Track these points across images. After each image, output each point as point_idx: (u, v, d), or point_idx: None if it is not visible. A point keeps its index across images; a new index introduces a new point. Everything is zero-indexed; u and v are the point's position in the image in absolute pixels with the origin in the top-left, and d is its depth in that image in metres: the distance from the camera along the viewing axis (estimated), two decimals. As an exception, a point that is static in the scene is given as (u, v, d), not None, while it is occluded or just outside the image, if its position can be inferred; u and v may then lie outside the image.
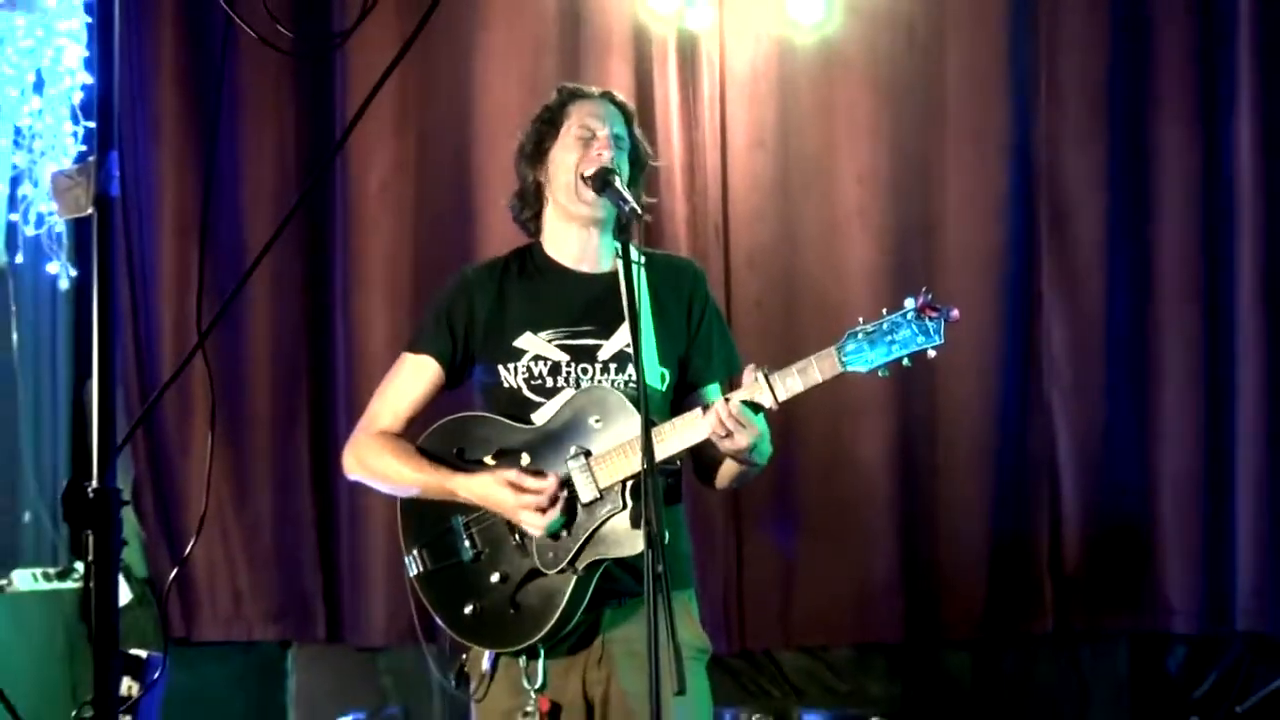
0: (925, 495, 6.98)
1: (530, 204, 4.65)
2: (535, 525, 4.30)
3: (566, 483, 4.34)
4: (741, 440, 4.16)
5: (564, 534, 4.35)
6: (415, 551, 4.56)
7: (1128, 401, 6.92)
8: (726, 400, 4.17)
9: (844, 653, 7.18)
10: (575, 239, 4.59)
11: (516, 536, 4.41)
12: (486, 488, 4.38)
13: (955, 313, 4.15)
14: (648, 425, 3.95)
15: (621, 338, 4.42)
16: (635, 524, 4.20)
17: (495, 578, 4.41)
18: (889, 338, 4.15)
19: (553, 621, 4.35)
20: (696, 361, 4.57)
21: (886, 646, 7.11)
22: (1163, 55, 6.90)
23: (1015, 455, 6.96)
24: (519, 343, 4.50)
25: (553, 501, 4.30)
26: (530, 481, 4.31)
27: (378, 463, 4.59)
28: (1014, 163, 6.93)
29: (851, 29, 6.94)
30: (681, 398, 4.47)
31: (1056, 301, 6.94)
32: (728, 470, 4.49)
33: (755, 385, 4.18)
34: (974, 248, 6.89)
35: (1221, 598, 6.83)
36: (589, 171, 4.45)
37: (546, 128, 4.62)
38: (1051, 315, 6.94)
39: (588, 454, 4.32)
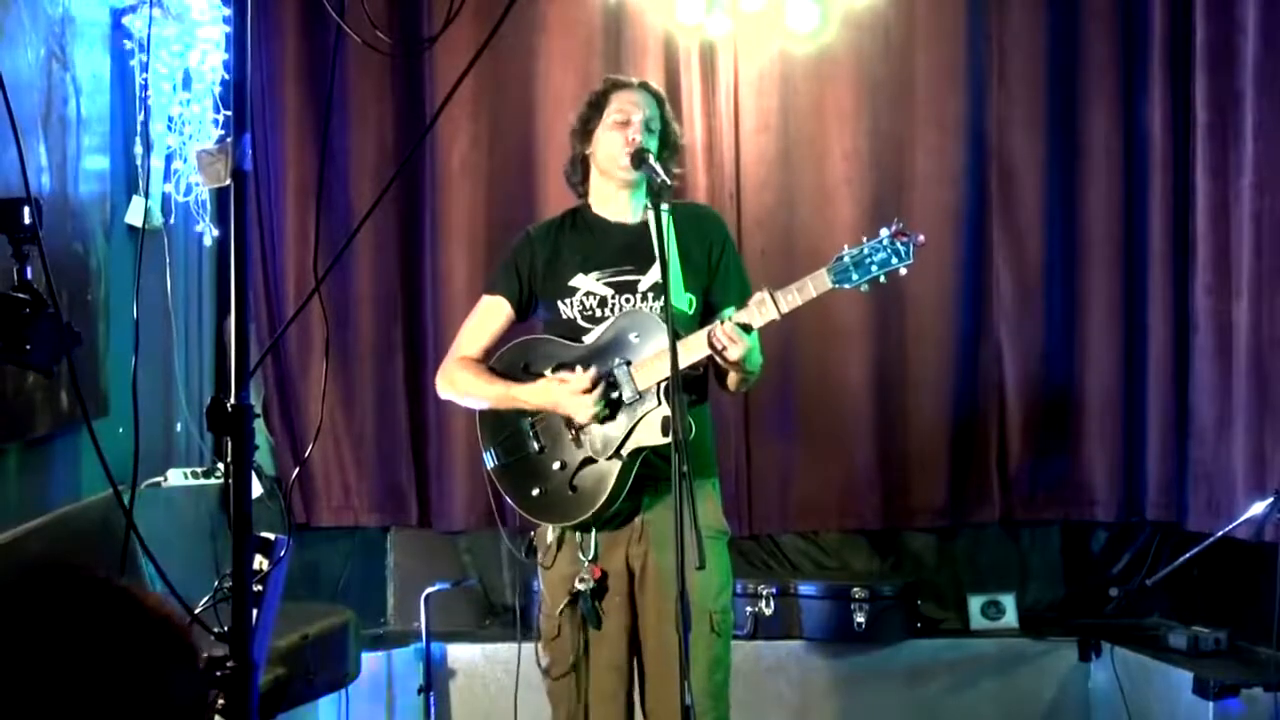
0: (898, 408, 6.97)
1: (578, 170, 4.75)
2: (583, 408, 4.44)
3: (605, 377, 4.45)
4: (734, 353, 4.28)
5: (611, 426, 4.44)
6: (492, 448, 4.66)
7: (1061, 333, 6.92)
8: (722, 322, 4.28)
9: (832, 536, 7.17)
10: (614, 198, 4.70)
11: (572, 431, 4.51)
12: (541, 390, 4.53)
13: (921, 237, 4.28)
14: (674, 342, 3.98)
15: (655, 273, 4.50)
16: (665, 431, 4.25)
17: (556, 465, 4.50)
18: (869, 259, 4.25)
19: (603, 499, 4.44)
20: (717, 290, 4.68)
21: (867, 530, 7.11)
22: (1091, 57, 6.88)
23: (970, 375, 6.95)
24: (573, 282, 4.61)
25: (593, 386, 4.41)
26: (571, 375, 4.44)
27: (461, 381, 4.72)
28: (970, 142, 6.90)
29: (839, 36, 6.91)
30: (708, 318, 4.52)
31: (1003, 252, 6.93)
32: (733, 377, 4.56)
33: (754, 306, 4.30)
34: (937, 209, 6.86)
35: (1135, 493, 6.84)
36: (627, 153, 4.53)
37: (592, 111, 4.73)
38: (1000, 262, 6.93)
39: (628, 363, 4.39)
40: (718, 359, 4.35)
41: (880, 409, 6.96)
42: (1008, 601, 6.86)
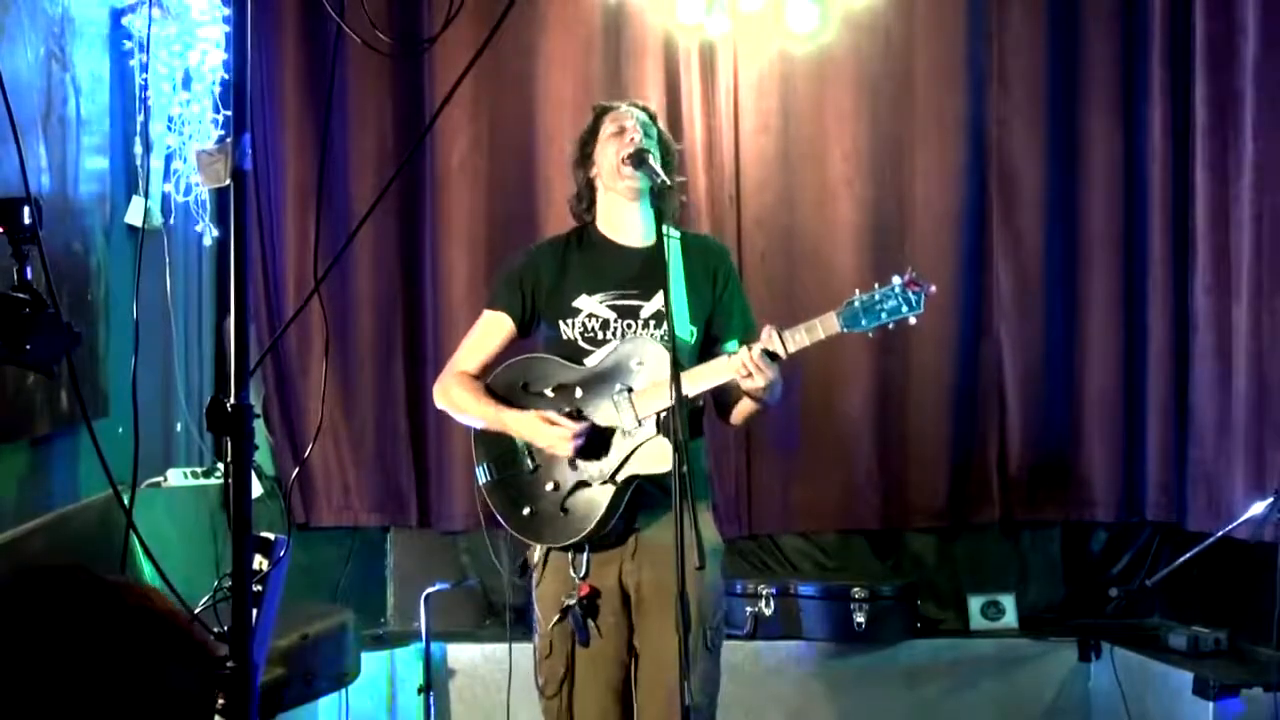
0: (898, 408, 6.99)
1: (584, 198, 4.75)
2: (563, 448, 4.44)
3: (591, 428, 4.46)
4: (759, 381, 4.28)
5: (606, 455, 4.43)
6: (485, 464, 4.65)
7: (1061, 334, 6.93)
8: (749, 348, 4.24)
9: (832, 537, 7.18)
10: (623, 213, 4.68)
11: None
12: (527, 422, 4.52)
13: (933, 288, 4.26)
14: (676, 362, 4.00)
15: (659, 300, 4.49)
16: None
17: (549, 486, 4.49)
18: (879, 306, 4.27)
19: (594, 524, 4.44)
20: (719, 321, 4.66)
21: (866, 532, 7.12)
22: (1091, 57, 6.90)
23: (970, 377, 6.97)
24: (576, 303, 4.59)
25: (579, 435, 4.41)
26: (561, 419, 4.44)
27: (457, 397, 4.73)
28: (970, 142, 6.91)
29: (839, 36, 6.93)
30: (708, 350, 4.54)
31: (1004, 252, 6.94)
32: (742, 409, 4.59)
33: (771, 339, 4.24)
34: (937, 210, 6.88)
35: (1135, 493, 6.86)
36: (627, 153, 4.53)
37: (588, 136, 4.74)
38: (1000, 264, 6.94)
39: (629, 390, 4.38)
40: (742, 385, 4.36)
41: (880, 409, 6.97)
42: (1008, 602, 6.86)
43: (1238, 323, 6.16)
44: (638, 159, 4.52)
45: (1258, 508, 5.54)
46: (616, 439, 4.45)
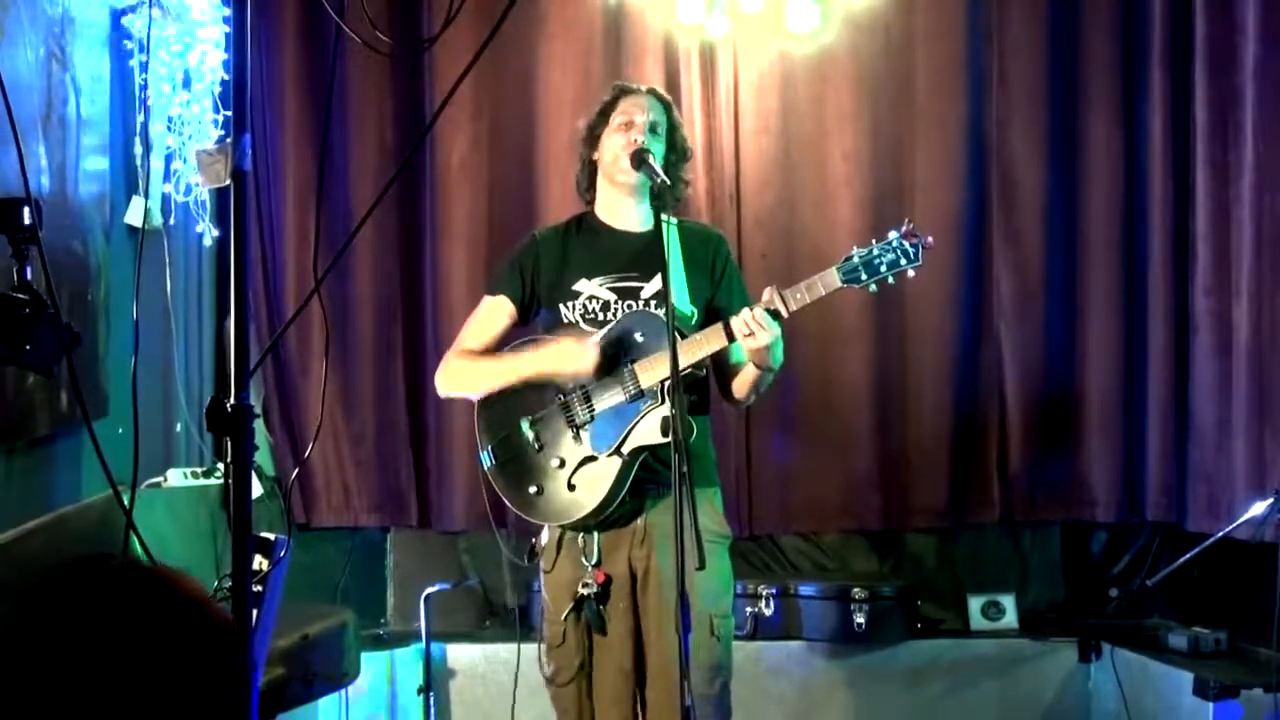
0: (898, 409, 6.98)
1: (586, 177, 4.75)
2: (589, 358, 4.47)
3: (615, 339, 4.47)
4: (762, 339, 4.29)
5: (612, 424, 4.45)
6: (490, 447, 4.64)
7: (1061, 333, 6.92)
8: (751, 308, 4.30)
9: (833, 537, 7.17)
10: (621, 204, 4.70)
11: (573, 429, 4.50)
12: (549, 354, 4.54)
13: (930, 239, 4.28)
14: (674, 344, 4.00)
15: (659, 282, 4.50)
16: (665, 431, 4.27)
17: (555, 463, 4.51)
18: (879, 259, 4.28)
19: (602, 498, 4.44)
20: (719, 303, 4.69)
21: (867, 532, 7.11)
22: (1091, 57, 6.88)
23: (970, 376, 6.95)
24: (576, 286, 4.62)
25: (597, 343, 4.47)
26: (583, 339, 4.50)
27: (464, 368, 4.74)
28: (970, 143, 6.90)
29: (839, 37, 6.93)
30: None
31: (1004, 253, 6.93)
32: (745, 378, 4.59)
33: (773, 298, 4.29)
34: (938, 211, 6.85)
35: (1136, 493, 6.85)
36: (629, 152, 4.53)
37: (599, 118, 4.78)
38: (1000, 264, 6.93)
39: (632, 361, 4.39)
40: (742, 345, 4.35)
41: (880, 410, 6.96)
42: (1008, 602, 6.85)
43: (1238, 323, 6.16)
44: (638, 159, 4.53)
45: (1258, 508, 5.53)
46: (621, 410, 4.46)
